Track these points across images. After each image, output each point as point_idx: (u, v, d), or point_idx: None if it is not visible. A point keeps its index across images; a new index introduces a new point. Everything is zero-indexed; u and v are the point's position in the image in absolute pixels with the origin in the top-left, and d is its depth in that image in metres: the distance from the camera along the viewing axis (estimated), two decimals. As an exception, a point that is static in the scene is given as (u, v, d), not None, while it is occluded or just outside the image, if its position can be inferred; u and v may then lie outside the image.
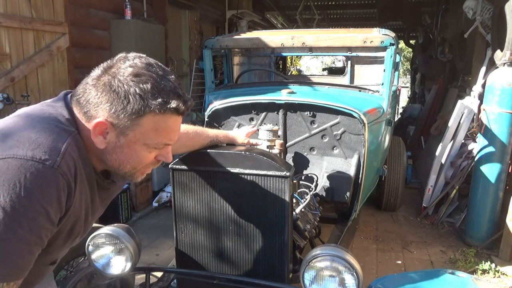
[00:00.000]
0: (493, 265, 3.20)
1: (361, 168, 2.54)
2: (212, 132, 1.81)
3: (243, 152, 1.68)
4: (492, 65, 4.27)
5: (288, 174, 1.64)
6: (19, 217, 0.85)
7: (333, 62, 16.50)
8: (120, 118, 0.97)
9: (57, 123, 0.97)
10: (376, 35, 2.98)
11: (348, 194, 2.47)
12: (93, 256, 1.63)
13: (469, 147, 4.16)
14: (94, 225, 1.67)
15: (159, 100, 0.96)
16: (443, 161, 4.30)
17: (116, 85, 0.95)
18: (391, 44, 2.93)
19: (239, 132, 1.97)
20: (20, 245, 0.86)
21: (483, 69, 4.60)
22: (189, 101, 1.03)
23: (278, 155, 2.13)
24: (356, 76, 3.68)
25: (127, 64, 0.98)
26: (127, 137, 1.00)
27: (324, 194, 2.49)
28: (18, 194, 0.84)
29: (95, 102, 0.97)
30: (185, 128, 1.63)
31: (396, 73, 3.47)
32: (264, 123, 2.62)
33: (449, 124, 4.34)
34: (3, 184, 0.84)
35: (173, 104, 0.98)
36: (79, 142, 0.99)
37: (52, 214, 0.91)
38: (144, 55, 1.02)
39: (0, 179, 0.84)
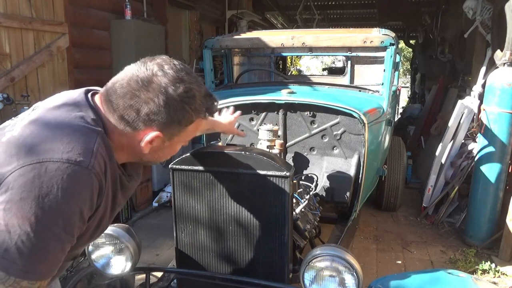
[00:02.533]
0: (493, 265, 3.20)
1: (361, 168, 2.54)
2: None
3: (243, 152, 1.68)
4: (492, 65, 4.27)
5: (288, 174, 1.64)
6: (56, 217, 0.89)
7: (333, 62, 16.47)
8: (172, 128, 1.05)
9: (84, 123, 1.00)
10: (376, 35, 2.98)
11: (348, 194, 2.47)
12: (93, 256, 1.64)
13: (469, 147, 4.16)
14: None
15: (204, 109, 1.07)
16: (443, 161, 4.30)
17: (171, 100, 1.00)
18: (391, 44, 2.93)
19: (222, 118, 1.92)
20: (56, 244, 0.91)
21: (483, 69, 4.61)
22: (217, 100, 1.14)
23: (278, 155, 2.13)
24: (356, 76, 3.68)
25: (170, 75, 1.02)
26: (172, 141, 1.10)
27: (324, 194, 2.49)
28: (55, 195, 0.88)
29: (146, 115, 1.01)
30: None
31: (396, 73, 3.47)
32: (264, 123, 2.62)
33: (449, 124, 4.34)
34: (41, 186, 0.87)
35: (213, 108, 1.11)
36: (106, 141, 1.02)
37: (85, 213, 0.96)
38: (169, 58, 1.07)
39: (39, 181, 0.87)
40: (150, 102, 1.00)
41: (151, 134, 1.03)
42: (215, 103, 1.12)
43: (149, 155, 1.10)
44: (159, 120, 1.02)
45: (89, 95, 1.08)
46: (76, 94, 1.08)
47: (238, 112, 1.99)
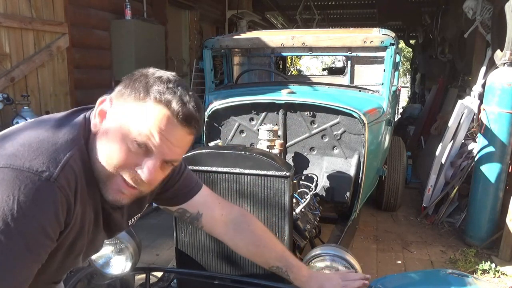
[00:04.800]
0: (493, 265, 3.20)
1: (361, 168, 2.54)
2: (285, 258, 1.34)
3: (243, 152, 1.68)
4: (492, 65, 4.27)
5: (288, 174, 1.64)
6: (13, 233, 0.78)
7: (333, 62, 16.50)
8: (121, 97, 0.93)
9: (64, 133, 0.91)
10: (376, 35, 2.98)
11: (348, 194, 2.47)
12: (93, 256, 1.63)
13: (469, 147, 4.16)
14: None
15: (168, 98, 0.90)
16: (443, 161, 4.30)
17: (136, 77, 0.94)
18: (391, 44, 2.93)
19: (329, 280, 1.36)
20: (16, 264, 0.80)
21: (483, 69, 4.60)
22: (194, 111, 0.92)
23: (278, 155, 2.13)
24: (356, 76, 3.68)
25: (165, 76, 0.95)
26: (117, 120, 0.93)
27: (324, 194, 2.49)
28: (11, 208, 0.78)
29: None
30: (257, 227, 1.36)
31: (396, 73, 3.47)
32: (264, 123, 2.62)
33: (449, 124, 4.34)
34: None
35: (183, 109, 0.91)
36: (84, 155, 0.92)
37: (50, 230, 0.85)
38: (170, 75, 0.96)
39: None
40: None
41: (102, 98, 0.95)
42: (185, 106, 0.91)
43: (101, 136, 0.94)
44: (116, 89, 0.95)
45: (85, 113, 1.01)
46: (76, 108, 1.02)
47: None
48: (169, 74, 0.96)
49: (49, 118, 0.96)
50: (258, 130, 2.46)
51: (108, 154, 0.92)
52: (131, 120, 0.90)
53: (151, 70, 0.95)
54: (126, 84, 0.94)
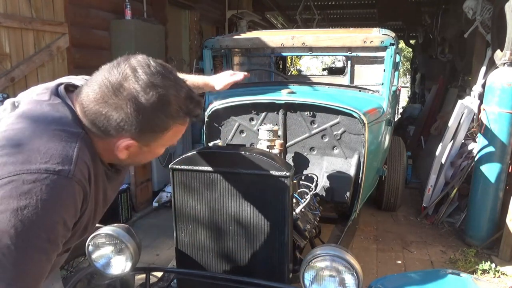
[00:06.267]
0: (493, 265, 3.20)
1: (361, 168, 2.54)
2: (191, 79, 1.76)
3: (243, 152, 1.68)
4: (492, 65, 4.27)
5: (288, 174, 1.64)
6: (37, 229, 0.85)
7: (333, 62, 16.48)
8: (146, 136, 1.00)
9: (63, 127, 0.95)
10: (376, 35, 2.98)
11: (348, 194, 2.47)
12: (93, 256, 1.64)
13: (469, 147, 4.16)
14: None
15: (181, 114, 0.99)
16: (443, 161, 4.30)
17: (142, 109, 0.94)
18: (391, 44, 2.93)
19: (218, 78, 1.90)
20: (39, 256, 0.88)
21: (483, 69, 4.60)
22: (201, 101, 1.05)
23: (278, 155, 2.13)
24: (356, 76, 3.68)
25: (142, 81, 0.94)
26: (150, 147, 1.05)
27: (324, 194, 2.49)
28: (35, 206, 0.84)
29: (117, 123, 0.95)
30: None
31: (396, 73, 3.47)
32: (264, 123, 2.62)
33: (449, 124, 4.34)
34: (19, 198, 0.84)
35: (195, 111, 1.02)
36: (88, 142, 0.98)
37: (69, 221, 0.93)
38: (146, 58, 0.98)
39: (16, 194, 0.84)
40: (119, 110, 0.93)
41: (125, 142, 0.98)
42: (197, 106, 1.03)
43: (129, 159, 1.06)
44: (130, 128, 0.95)
45: (61, 88, 1.03)
46: (53, 90, 1.03)
47: (240, 77, 1.91)
48: (154, 78, 0.96)
49: (38, 115, 0.97)
50: (258, 130, 2.46)
51: (146, 161, 1.15)
52: (165, 141, 1.05)
53: (149, 96, 0.94)
54: (141, 121, 0.95)
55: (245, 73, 1.94)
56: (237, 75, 1.90)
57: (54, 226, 0.89)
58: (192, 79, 1.77)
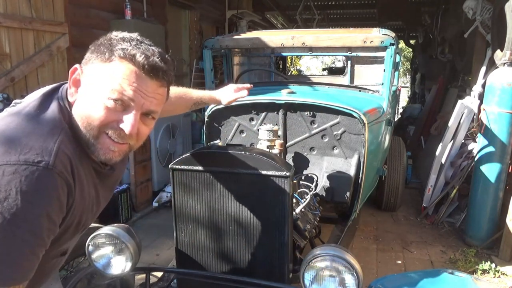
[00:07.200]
0: (493, 265, 3.20)
1: (361, 168, 2.54)
2: (196, 93, 1.78)
3: (243, 152, 1.68)
4: (492, 65, 4.27)
5: (288, 174, 1.64)
6: (18, 221, 0.85)
7: (333, 62, 16.48)
8: (90, 64, 1.01)
9: (47, 121, 0.96)
10: (376, 35, 2.97)
11: (348, 194, 2.47)
12: (93, 256, 1.64)
13: (469, 147, 4.16)
14: (94, 225, 1.67)
15: (129, 52, 0.97)
16: (443, 161, 4.30)
17: (99, 42, 1.02)
18: (391, 44, 2.93)
19: (224, 92, 1.88)
20: (22, 248, 0.86)
21: (483, 69, 4.60)
22: (159, 62, 0.99)
23: (278, 155, 2.13)
24: (356, 76, 3.68)
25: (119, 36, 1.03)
26: (90, 78, 1.00)
27: (324, 194, 2.49)
28: (14, 198, 0.84)
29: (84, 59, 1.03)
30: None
31: (396, 73, 3.47)
32: (264, 123, 2.62)
33: (449, 124, 4.34)
34: None
35: (150, 61, 0.98)
36: (71, 136, 0.98)
37: (53, 215, 0.91)
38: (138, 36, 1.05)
39: None
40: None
41: (72, 69, 1.03)
42: (156, 61, 0.99)
43: (79, 106, 1.00)
44: (84, 60, 1.02)
45: (64, 90, 1.06)
46: (50, 89, 1.07)
47: (244, 94, 1.89)
48: (132, 34, 1.04)
49: (26, 111, 0.99)
50: (258, 130, 2.46)
51: (88, 115, 0.99)
52: (103, 80, 0.97)
53: (114, 33, 1.03)
54: (92, 49, 1.02)
55: (249, 87, 1.93)
56: (242, 92, 1.89)
57: (36, 219, 0.87)
58: (198, 94, 1.80)
